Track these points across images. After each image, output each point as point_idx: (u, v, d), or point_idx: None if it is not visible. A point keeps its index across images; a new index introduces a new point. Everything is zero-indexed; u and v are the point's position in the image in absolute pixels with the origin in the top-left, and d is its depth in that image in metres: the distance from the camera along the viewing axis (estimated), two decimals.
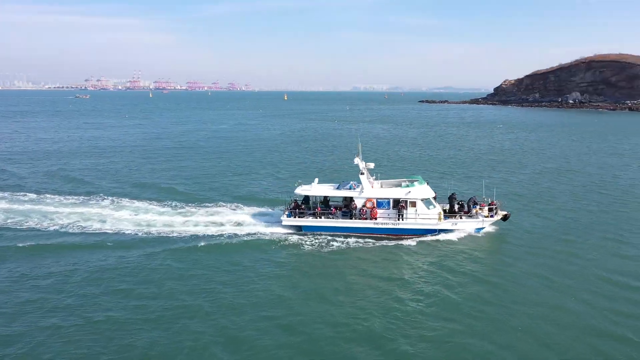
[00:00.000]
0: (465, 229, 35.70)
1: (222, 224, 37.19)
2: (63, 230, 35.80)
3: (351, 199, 36.19)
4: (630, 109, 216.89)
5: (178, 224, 37.27)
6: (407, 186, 36.13)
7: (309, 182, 39.44)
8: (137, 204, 42.92)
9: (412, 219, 35.27)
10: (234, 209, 41.33)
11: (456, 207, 36.50)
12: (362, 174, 36.38)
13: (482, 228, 36.02)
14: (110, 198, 44.82)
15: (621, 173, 61.50)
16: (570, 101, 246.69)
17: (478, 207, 36.15)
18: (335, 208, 37.03)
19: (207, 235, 34.77)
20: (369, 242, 34.23)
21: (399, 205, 35.39)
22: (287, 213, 36.44)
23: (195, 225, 36.97)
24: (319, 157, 74.22)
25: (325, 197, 38.01)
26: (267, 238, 34.58)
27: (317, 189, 37.54)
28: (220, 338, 21.06)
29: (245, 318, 22.81)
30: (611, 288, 26.51)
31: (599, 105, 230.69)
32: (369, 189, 36.19)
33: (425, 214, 35.28)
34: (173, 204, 42.88)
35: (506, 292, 25.94)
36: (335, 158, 73.16)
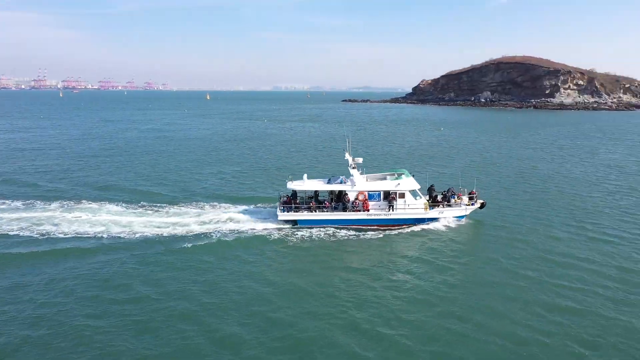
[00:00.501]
0: (449, 217, 38.50)
1: (216, 222, 37.40)
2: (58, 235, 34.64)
3: (344, 193, 37.92)
4: (534, 107, 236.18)
5: (167, 224, 36.87)
6: (396, 179, 38.53)
7: (289, 178, 40.46)
8: (110, 206, 41.84)
9: (402, 210, 37.63)
10: (220, 208, 41.19)
11: (439, 197, 39.19)
12: (354, 168, 38.52)
13: (464, 216, 39.23)
14: (83, 201, 43.39)
15: (538, 164, 68.33)
16: (482, 100, 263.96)
17: (456, 197, 39.20)
18: (324, 202, 38.50)
19: (203, 234, 34.80)
20: (362, 233, 36.23)
21: (389, 197, 37.62)
22: (281, 208, 37.44)
23: (186, 225, 36.76)
24: (272, 155, 75.39)
25: (315, 191, 39.43)
26: (264, 233, 35.50)
27: (309, 184, 38.89)
28: (225, 335, 21.66)
29: (255, 310, 23.98)
30: (549, 265, 30.56)
31: (507, 104, 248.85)
32: (360, 182, 38.20)
33: (413, 205, 37.80)
34: (150, 205, 42.06)
35: (492, 270, 29.19)
36: (290, 156, 74.79)
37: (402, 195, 37.68)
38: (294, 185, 38.74)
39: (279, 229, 36.55)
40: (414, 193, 38.10)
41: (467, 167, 64.85)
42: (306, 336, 21.55)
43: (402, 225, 37.58)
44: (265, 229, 36.40)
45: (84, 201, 43.37)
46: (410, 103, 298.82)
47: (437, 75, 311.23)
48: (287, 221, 37.36)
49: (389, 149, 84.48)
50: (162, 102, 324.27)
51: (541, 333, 21.85)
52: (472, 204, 39.23)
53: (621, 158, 75.83)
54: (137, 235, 34.61)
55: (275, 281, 27.39)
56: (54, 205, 42.07)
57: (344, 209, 37.51)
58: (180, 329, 22.07)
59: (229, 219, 38.12)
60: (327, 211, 37.63)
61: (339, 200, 38.44)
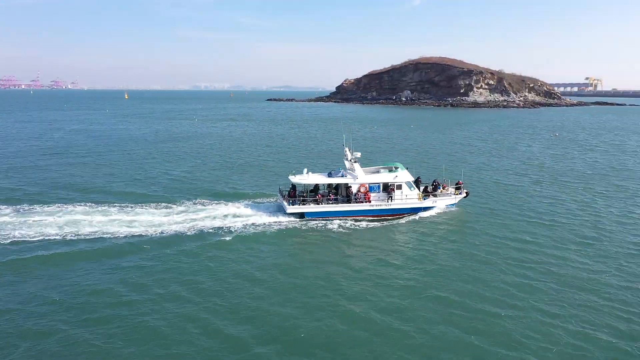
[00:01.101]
0: (441, 205, 42.09)
1: (223, 218, 38.14)
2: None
3: (348, 185, 40.30)
4: (451, 105, 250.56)
5: (174, 223, 36.88)
6: (393, 171, 41.57)
7: (292, 172, 42.72)
8: (104, 207, 41.00)
9: (400, 200, 40.65)
10: (222, 204, 41.73)
11: (429, 188, 42.28)
12: (356, 162, 41.21)
13: (454, 204, 42.89)
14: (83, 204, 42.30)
15: (467, 157, 74.66)
16: (403, 99, 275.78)
17: (441, 187, 42.67)
18: (329, 195, 40.61)
19: (213, 230, 35.52)
20: (364, 223, 38.85)
21: (388, 189, 40.52)
22: (289, 201, 38.86)
23: (192, 221, 37.27)
24: (235, 154, 75.93)
25: (315, 185, 41.35)
26: (273, 227, 36.91)
27: (313, 178, 40.87)
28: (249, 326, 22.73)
29: (274, 300, 25.43)
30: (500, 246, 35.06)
31: (426, 102, 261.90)
32: (362, 175, 40.77)
33: (409, 195, 40.93)
34: (144, 205, 41.87)
35: (484, 253, 32.76)
36: (259, 153, 75.73)
37: (400, 187, 40.76)
38: (297, 178, 40.41)
39: (283, 222, 38.14)
40: (409, 184, 41.19)
41: (411, 163, 69.57)
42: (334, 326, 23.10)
43: (401, 214, 40.66)
44: (273, 222, 37.82)
45: (76, 204, 42.12)
46: (335, 102, 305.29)
47: (359, 75, 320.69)
48: (294, 214, 38.91)
49: (332, 147, 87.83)
50: (79, 102, 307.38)
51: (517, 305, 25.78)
52: (460, 194, 43.11)
53: (538, 151, 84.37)
54: (147, 235, 34.70)
55: (295, 272, 28.96)
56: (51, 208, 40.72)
57: (348, 201, 39.90)
58: (200, 325, 23.16)
59: (234, 215, 38.99)
60: (332, 203, 39.79)
61: (340, 192, 40.71)
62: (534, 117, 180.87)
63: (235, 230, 35.82)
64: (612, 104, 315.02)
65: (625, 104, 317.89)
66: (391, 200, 40.56)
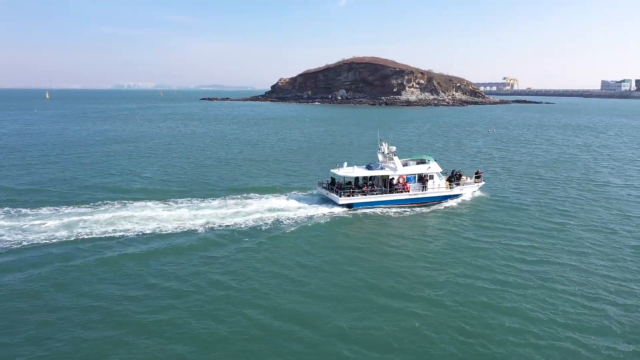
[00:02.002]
0: (467, 193, 46.67)
1: (279, 211, 40.34)
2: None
3: (389, 177, 43.82)
4: (386, 103, 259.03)
5: (226, 216, 38.86)
6: (426, 163, 45.64)
7: (336, 165, 46.94)
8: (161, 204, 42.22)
9: (433, 189, 44.72)
10: (269, 198, 43.97)
11: (454, 178, 46.64)
12: (395, 155, 45.15)
13: (475, 191, 47.67)
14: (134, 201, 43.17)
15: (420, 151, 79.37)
16: (339, 97, 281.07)
17: (463, 177, 47.02)
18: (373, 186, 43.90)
19: (260, 225, 37.07)
20: (405, 210, 42.53)
21: (423, 179, 44.54)
22: (340, 193, 41.84)
23: (252, 214, 39.32)
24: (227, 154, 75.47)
25: (355, 177, 44.18)
26: (326, 218, 39.41)
27: (356, 171, 44.23)
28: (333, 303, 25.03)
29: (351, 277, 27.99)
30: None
31: (361, 101, 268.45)
32: (400, 167, 44.49)
33: (440, 184, 45.08)
34: (195, 199, 43.88)
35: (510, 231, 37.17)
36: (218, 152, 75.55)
37: (432, 177, 45.00)
38: (341, 171, 43.69)
39: (334, 213, 40.82)
40: (439, 175, 45.47)
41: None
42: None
43: (435, 202, 44.67)
44: (325, 214, 40.34)
45: (125, 201, 43.25)
46: (271, 101, 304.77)
47: (294, 74, 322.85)
48: (344, 205, 41.77)
49: (290, 145, 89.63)
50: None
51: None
52: (480, 182, 47.91)
53: (484, 145, 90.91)
54: (231, 227, 36.55)
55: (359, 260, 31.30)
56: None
57: (390, 192, 43.41)
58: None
59: (281, 208, 41.19)
60: (377, 194, 43.14)
61: (380, 183, 44.37)
62: (466, 114, 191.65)
63: (290, 222, 38.04)
64: (530, 102, 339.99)
65: (542, 102, 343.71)
66: (425, 189, 44.55)
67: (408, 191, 44.07)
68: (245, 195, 45.75)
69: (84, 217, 37.77)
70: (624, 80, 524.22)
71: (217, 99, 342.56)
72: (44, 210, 39.82)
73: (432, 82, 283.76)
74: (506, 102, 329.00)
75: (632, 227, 38.31)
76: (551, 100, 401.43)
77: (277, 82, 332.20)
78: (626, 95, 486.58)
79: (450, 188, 45.80)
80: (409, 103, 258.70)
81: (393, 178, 44.09)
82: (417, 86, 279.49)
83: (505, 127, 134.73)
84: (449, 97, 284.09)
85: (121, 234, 34.51)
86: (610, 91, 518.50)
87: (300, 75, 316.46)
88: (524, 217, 40.49)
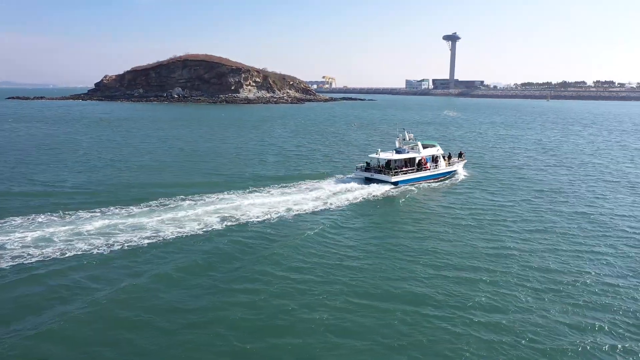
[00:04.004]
0: (459, 168, 59.30)
1: (327, 198, 44.65)
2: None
3: (416, 159, 53.67)
4: (226, 101, 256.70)
5: (289, 203, 42.01)
6: (435, 147, 56.83)
7: (377, 151, 54.41)
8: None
9: (442, 167, 55.77)
10: (312, 185, 49.49)
11: (446, 158, 57.96)
12: (417, 141, 55.66)
13: (462, 167, 60.43)
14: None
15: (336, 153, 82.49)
16: (175, 96, 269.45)
17: (452, 157, 59.44)
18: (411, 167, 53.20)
19: (323, 209, 40.73)
20: (429, 183, 53.06)
21: (435, 160, 55.42)
22: (391, 174, 50.50)
23: (299, 203, 42.23)
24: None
25: (387, 160, 52.33)
26: (383, 195, 46.88)
27: (393, 155, 52.89)
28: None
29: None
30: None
31: (199, 99, 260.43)
32: (422, 151, 54.71)
33: (444, 163, 56.25)
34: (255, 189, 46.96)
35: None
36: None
37: (441, 158, 56.31)
38: (383, 155, 52.86)
39: (384, 189, 48.45)
40: (443, 156, 57.00)
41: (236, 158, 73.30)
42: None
43: (444, 177, 55.86)
44: (373, 191, 47.53)
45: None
46: (97, 100, 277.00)
47: (121, 72, 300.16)
48: (394, 182, 50.12)
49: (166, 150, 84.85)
50: None
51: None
52: (464, 159, 61.18)
53: (363, 139, 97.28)
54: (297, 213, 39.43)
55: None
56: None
57: (417, 170, 53.41)
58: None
59: (338, 192, 46.92)
60: (411, 173, 52.68)
61: (409, 165, 53.37)
62: (311, 111, 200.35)
63: (349, 201, 43.67)
64: (356, 99, 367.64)
65: (365, 99, 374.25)
66: (437, 167, 55.69)
67: (429, 169, 54.46)
68: (303, 182, 51.29)
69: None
70: (423, 80, 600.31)
71: (29, 98, 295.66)
72: None
73: (267, 81, 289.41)
74: (336, 99, 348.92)
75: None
76: (374, 97, 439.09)
77: (102, 80, 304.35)
78: (426, 92, 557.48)
79: (449, 165, 57.48)
80: (248, 101, 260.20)
81: (419, 159, 53.77)
82: (254, 84, 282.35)
83: (363, 121, 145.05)
84: (285, 94, 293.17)
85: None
86: (414, 89, 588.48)
87: (128, 72, 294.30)
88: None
